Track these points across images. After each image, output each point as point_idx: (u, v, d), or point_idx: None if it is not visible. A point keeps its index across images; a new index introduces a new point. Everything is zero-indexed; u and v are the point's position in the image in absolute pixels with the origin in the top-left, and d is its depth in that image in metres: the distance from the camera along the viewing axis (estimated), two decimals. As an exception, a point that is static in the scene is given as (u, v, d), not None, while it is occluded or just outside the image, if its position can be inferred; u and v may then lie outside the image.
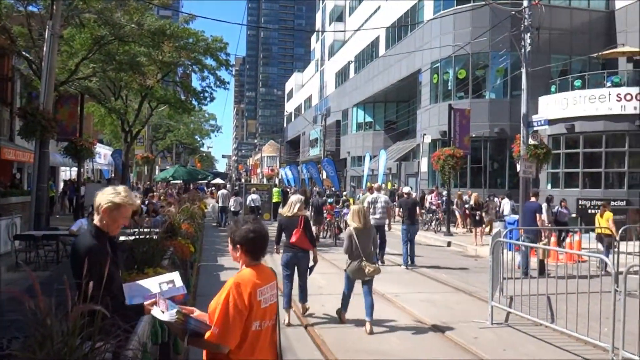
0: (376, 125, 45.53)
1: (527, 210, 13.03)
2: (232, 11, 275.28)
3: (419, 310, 8.57)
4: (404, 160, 37.50)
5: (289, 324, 7.59)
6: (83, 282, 2.54)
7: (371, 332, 7.28)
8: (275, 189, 29.31)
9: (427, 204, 23.91)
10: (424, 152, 30.04)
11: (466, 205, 21.62)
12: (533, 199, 13.18)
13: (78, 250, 3.17)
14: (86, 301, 2.48)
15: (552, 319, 7.36)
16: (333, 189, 32.98)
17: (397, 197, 30.42)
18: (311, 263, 8.05)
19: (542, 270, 10.58)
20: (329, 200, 22.72)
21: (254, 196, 23.67)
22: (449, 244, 18.78)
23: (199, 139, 70.57)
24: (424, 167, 30.50)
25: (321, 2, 67.26)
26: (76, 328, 2.39)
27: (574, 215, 18.75)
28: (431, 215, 22.95)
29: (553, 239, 14.33)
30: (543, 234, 13.41)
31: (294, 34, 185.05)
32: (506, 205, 19.67)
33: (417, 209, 15.00)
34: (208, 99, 29.20)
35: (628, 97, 22.80)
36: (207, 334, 2.72)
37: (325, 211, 18.51)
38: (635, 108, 22.67)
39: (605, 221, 13.50)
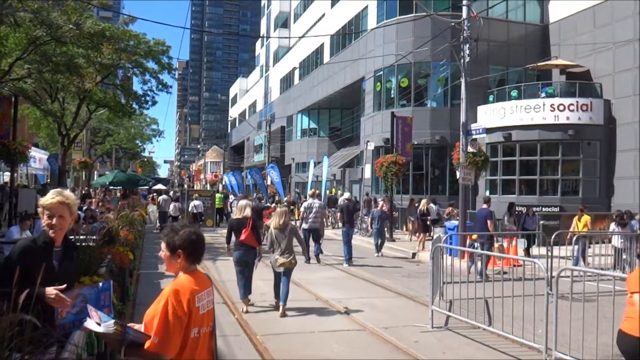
0: (321, 132, 45.76)
1: (479, 216, 13.54)
2: (176, 14, 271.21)
3: (361, 316, 8.64)
4: (348, 166, 37.83)
5: (246, 312, 8.84)
6: (13, 291, 2.44)
7: (283, 315, 8.63)
8: (217, 195, 28.98)
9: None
10: (367, 159, 30.40)
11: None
12: (484, 205, 13.74)
13: (9, 257, 3.06)
14: (16, 310, 2.38)
15: (490, 322, 7.58)
16: (276, 197, 32.88)
17: (337, 203, 30.82)
18: (257, 259, 9.16)
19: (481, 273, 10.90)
20: (269, 205, 23.01)
21: (197, 202, 23.32)
22: (415, 255, 19.04)
23: (140, 144, 68.81)
24: (367, 173, 30.87)
25: (266, 8, 67.21)
26: (4, 339, 2.29)
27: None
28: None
29: (502, 245, 14.71)
30: (495, 239, 13.82)
31: (238, 39, 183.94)
32: (432, 210, 20.03)
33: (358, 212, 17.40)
34: (150, 103, 28.56)
35: (561, 108, 23.84)
36: (147, 344, 2.64)
37: (265, 216, 18.92)
38: (567, 118, 23.73)
39: (583, 224, 14.20)
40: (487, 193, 25.90)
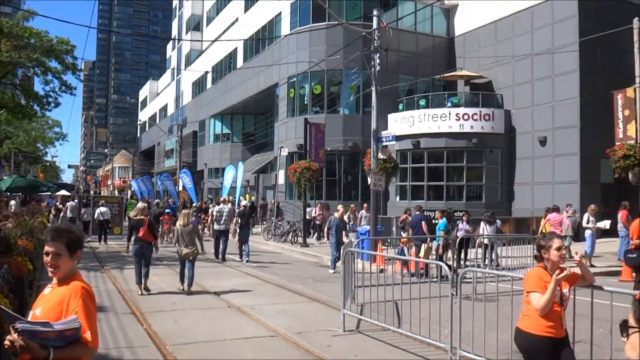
0: (234, 137, 45.32)
1: (416, 220, 14.54)
2: (81, 12, 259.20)
3: (274, 322, 8.61)
4: (262, 172, 37.69)
5: (141, 294, 10.61)
6: None
7: (190, 293, 10.81)
8: (139, 204, 27.86)
9: (311, 217, 23.92)
10: (281, 165, 30.44)
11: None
12: (417, 212, 14.82)
13: None
14: None
15: (399, 324, 7.78)
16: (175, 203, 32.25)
17: (259, 208, 30.74)
18: (154, 252, 11.51)
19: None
20: (167, 211, 23.38)
21: (103, 209, 22.33)
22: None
23: (41, 148, 65.22)
24: (281, 179, 30.90)
25: (178, 9, 65.74)
26: None
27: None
28: (289, 227, 23.18)
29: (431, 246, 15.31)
30: (428, 241, 14.70)
31: (148, 40, 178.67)
32: (363, 217, 20.44)
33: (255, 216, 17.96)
34: (52, 105, 27.12)
35: (465, 117, 25.03)
36: (89, 342, 2.65)
37: (163, 221, 21.04)
38: (471, 127, 24.94)
39: (550, 226, 15.41)
40: (398, 199, 26.72)
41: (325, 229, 16.79)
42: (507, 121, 25.64)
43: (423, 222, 14.39)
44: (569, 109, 23.06)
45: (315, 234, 23.52)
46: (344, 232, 15.38)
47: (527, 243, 13.67)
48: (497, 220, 16.05)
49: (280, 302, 10.48)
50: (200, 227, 21.71)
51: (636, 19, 17.20)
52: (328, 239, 15.70)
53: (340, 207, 15.71)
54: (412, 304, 7.66)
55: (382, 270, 9.28)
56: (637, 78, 17.10)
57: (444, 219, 14.71)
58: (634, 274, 11.86)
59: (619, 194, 20.64)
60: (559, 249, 4.22)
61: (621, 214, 16.15)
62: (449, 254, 14.60)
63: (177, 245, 11.32)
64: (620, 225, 15.89)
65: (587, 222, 15.90)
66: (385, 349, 7.22)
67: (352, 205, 21.22)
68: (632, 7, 23.41)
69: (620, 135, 18.10)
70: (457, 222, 15.98)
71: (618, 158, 17.04)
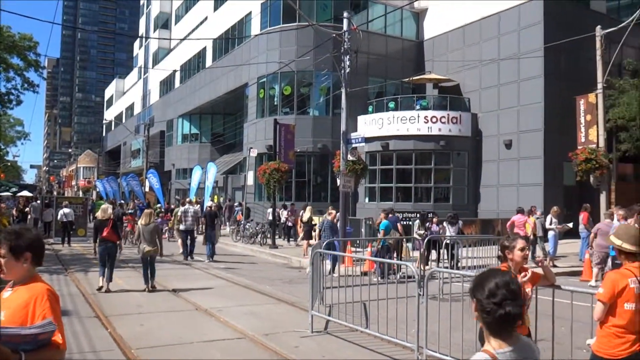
0: (203, 137, 44.92)
1: (392, 222, 14.72)
2: (45, 8, 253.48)
3: (241, 323, 8.57)
4: (231, 173, 37.46)
5: (102, 288, 11.15)
6: None
7: (152, 290, 11.33)
8: (103, 205, 27.38)
9: (283, 219, 23.77)
10: (250, 166, 30.29)
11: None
12: (390, 215, 14.98)
13: None
14: None
15: (367, 324, 7.83)
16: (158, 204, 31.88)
17: (224, 209, 30.54)
18: (119, 251, 11.87)
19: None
20: (129, 211, 23.81)
21: (67, 210, 21.88)
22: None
23: (2, 147, 63.51)
24: (250, 180, 30.74)
25: (145, 7, 64.82)
26: None
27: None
28: (257, 228, 23.04)
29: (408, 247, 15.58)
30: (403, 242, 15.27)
31: (115, 37, 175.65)
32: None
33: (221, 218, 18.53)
34: (14, 103, 26.48)
35: (434, 120, 25.33)
36: (60, 344, 2.63)
37: (126, 221, 21.59)
38: (439, 130, 25.25)
39: (530, 225, 15.85)
40: (367, 200, 26.87)
41: (317, 231, 16.75)
42: (474, 124, 26.04)
43: (399, 224, 14.91)
44: (533, 113, 23.55)
45: (286, 237, 23.38)
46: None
47: (492, 244, 13.91)
48: (460, 221, 16.34)
49: (248, 303, 10.44)
50: (166, 227, 21.95)
51: (599, 27, 17.69)
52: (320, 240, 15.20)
53: (332, 210, 16.02)
54: (379, 305, 7.71)
55: (365, 273, 9.25)
56: (599, 84, 17.59)
57: (386, 220, 14.63)
58: (594, 274, 12.20)
59: (580, 196, 21.18)
60: (522, 249, 4.32)
61: (582, 216, 16.59)
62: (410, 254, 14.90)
63: (138, 243, 11.95)
64: (581, 227, 16.33)
65: (550, 224, 16.29)
66: (353, 350, 7.27)
67: (309, 207, 21.12)
68: (595, 15, 24.10)
69: (583, 140, 18.57)
70: (427, 223, 16.17)
71: (580, 162, 17.49)
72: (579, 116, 18.91)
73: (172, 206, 27.75)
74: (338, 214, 15.95)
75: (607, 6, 26.77)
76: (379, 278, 10.58)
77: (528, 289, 4.37)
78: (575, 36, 19.26)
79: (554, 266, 15.06)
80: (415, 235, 15.78)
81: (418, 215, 17.89)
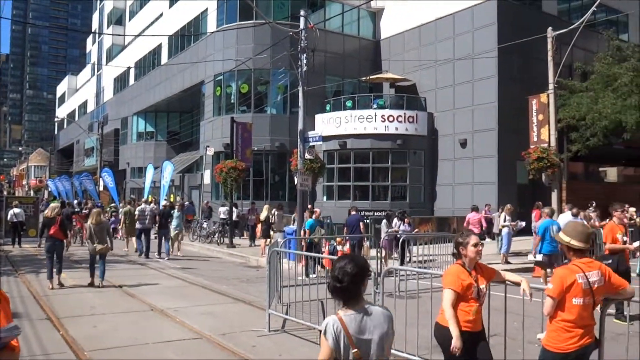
0: (158, 136, 44.16)
1: (353, 219, 15.05)
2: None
3: (198, 324, 8.45)
4: (188, 172, 36.94)
5: (52, 289, 11.20)
6: None
7: (99, 285, 11.52)
8: (52, 203, 26.56)
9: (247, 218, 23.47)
10: (207, 164, 29.96)
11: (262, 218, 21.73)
12: (353, 212, 15.38)
13: None
14: None
15: (324, 323, 7.81)
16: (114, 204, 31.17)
17: (177, 207, 30.02)
18: (65, 248, 12.38)
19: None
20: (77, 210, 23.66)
21: (17, 210, 21.16)
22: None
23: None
24: (207, 179, 30.41)
25: (99, 2, 63.25)
26: None
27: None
28: (215, 227, 22.77)
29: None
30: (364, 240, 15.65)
31: (67, 33, 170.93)
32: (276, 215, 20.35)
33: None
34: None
35: (390, 119, 25.57)
36: (17, 347, 2.60)
37: (75, 220, 21.23)
38: (396, 128, 25.50)
39: (503, 222, 16.31)
40: (325, 199, 26.92)
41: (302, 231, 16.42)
42: (430, 123, 26.41)
43: (361, 223, 15.18)
44: (487, 112, 24.05)
45: (248, 236, 23.12)
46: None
47: (448, 241, 14.12)
48: (406, 218, 16.61)
49: (205, 303, 10.30)
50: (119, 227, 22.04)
51: (550, 28, 18.17)
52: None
53: (316, 209, 16.04)
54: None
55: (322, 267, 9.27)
56: (550, 85, 18.06)
57: (311, 218, 14.91)
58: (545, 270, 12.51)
59: (533, 194, 21.72)
60: (475, 245, 4.39)
61: (535, 214, 17.03)
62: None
63: (88, 242, 12.13)
64: (534, 224, 16.75)
65: (504, 221, 16.65)
66: (310, 348, 7.25)
67: (267, 206, 20.95)
68: (547, 17, 24.76)
69: (535, 139, 19.04)
70: (393, 219, 16.18)
71: (532, 160, 17.92)
72: (531, 116, 19.37)
73: (120, 205, 27.05)
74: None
75: (558, 9, 27.57)
76: (304, 276, 10.56)
77: (482, 286, 4.44)
78: (527, 37, 19.75)
79: (507, 263, 15.41)
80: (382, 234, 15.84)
81: (385, 214, 17.88)
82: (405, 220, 16.19)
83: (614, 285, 4.14)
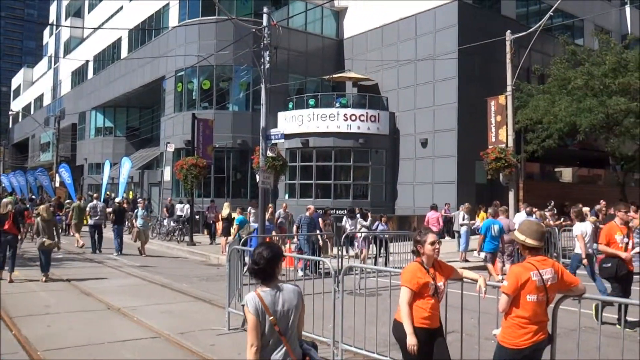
0: (117, 131, 43.28)
1: (315, 218, 15.05)
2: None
3: (157, 323, 8.33)
4: (147, 168, 36.31)
5: (11, 281, 11.60)
6: None
7: (46, 281, 11.71)
8: (4, 199, 25.74)
9: (179, 213, 23.20)
10: (167, 161, 29.50)
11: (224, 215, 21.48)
12: (311, 211, 15.33)
13: None
14: None
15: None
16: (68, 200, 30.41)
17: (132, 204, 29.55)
18: (19, 242, 12.83)
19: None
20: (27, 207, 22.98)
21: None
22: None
23: None
24: (167, 176, 29.94)
25: (57, -7, 61.63)
26: None
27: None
28: (174, 225, 22.45)
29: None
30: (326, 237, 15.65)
31: (23, 24, 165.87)
32: (252, 213, 20.27)
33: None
34: None
35: (353, 118, 25.70)
36: None
37: (27, 215, 21.02)
38: (358, 127, 25.65)
39: (481, 220, 16.42)
40: (287, 197, 26.87)
41: (295, 227, 16.11)
42: (392, 123, 26.66)
43: (320, 220, 15.45)
44: (447, 113, 24.42)
45: (209, 234, 22.85)
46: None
47: (408, 239, 14.28)
48: (357, 215, 16.91)
49: (164, 302, 10.17)
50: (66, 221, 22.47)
51: (508, 31, 18.53)
52: (297, 238, 15.02)
53: (310, 206, 15.94)
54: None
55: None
56: (508, 87, 18.44)
57: (241, 215, 15.97)
58: (498, 268, 12.80)
59: (491, 193, 22.17)
60: (432, 243, 4.45)
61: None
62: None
63: (36, 237, 12.49)
64: (477, 223, 17.23)
65: (463, 220, 16.95)
66: (269, 346, 7.22)
67: (227, 203, 20.72)
68: (506, 20, 25.28)
69: (493, 140, 19.39)
70: (376, 222, 16.26)
71: (490, 160, 18.27)
72: (489, 117, 19.71)
73: (67, 202, 26.40)
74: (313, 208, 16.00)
75: (517, 12, 28.18)
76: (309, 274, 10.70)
77: (440, 283, 4.51)
78: (487, 40, 20.12)
79: (466, 260, 15.70)
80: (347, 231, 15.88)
81: (358, 211, 18.04)
82: (383, 219, 16.31)
83: (566, 282, 4.27)
